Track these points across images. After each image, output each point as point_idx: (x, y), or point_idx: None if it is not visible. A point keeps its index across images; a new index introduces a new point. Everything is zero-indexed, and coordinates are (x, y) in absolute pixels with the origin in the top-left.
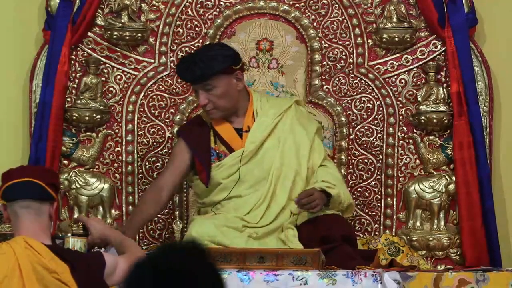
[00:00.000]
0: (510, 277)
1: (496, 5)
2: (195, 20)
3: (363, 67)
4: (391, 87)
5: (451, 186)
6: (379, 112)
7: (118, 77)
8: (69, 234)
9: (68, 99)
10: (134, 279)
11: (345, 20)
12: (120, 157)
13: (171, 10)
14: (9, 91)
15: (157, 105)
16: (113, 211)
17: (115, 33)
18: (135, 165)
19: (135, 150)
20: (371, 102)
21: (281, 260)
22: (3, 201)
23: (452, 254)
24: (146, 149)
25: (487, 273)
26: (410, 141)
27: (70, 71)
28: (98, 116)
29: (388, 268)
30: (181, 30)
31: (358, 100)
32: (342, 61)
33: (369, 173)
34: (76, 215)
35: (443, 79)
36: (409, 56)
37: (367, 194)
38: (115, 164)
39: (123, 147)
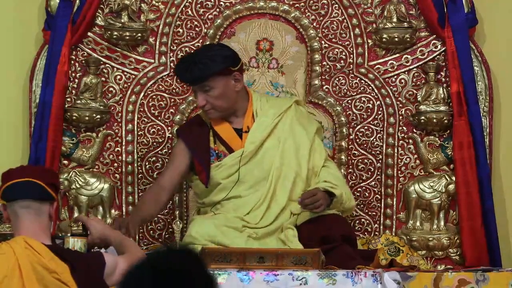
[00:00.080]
0: (510, 277)
1: (496, 5)
2: (195, 20)
3: (363, 67)
4: (391, 87)
5: (451, 186)
6: (379, 112)
7: (118, 77)
8: (69, 234)
9: (68, 99)
10: (133, 279)
11: (345, 20)
12: (120, 157)
13: (171, 10)
14: (9, 91)
15: (157, 105)
16: (113, 211)
17: (115, 33)
18: (135, 165)
19: (135, 150)
20: (371, 102)
21: (281, 260)
22: (3, 201)
23: (452, 254)
24: (146, 149)
25: (487, 273)
26: (410, 141)
27: (70, 71)
28: (98, 116)
29: (388, 268)
30: (181, 30)
31: (358, 100)
32: (342, 61)
33: (369, 173)
34: (76, 215)
35: (443, 79)
36: (409, 56)
37: (367, 194)
38: (115, 164)
39: (123, 147)
